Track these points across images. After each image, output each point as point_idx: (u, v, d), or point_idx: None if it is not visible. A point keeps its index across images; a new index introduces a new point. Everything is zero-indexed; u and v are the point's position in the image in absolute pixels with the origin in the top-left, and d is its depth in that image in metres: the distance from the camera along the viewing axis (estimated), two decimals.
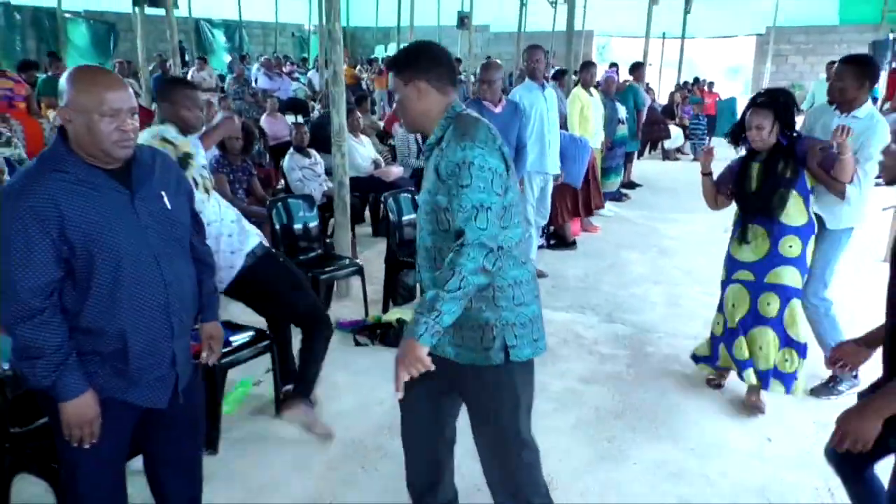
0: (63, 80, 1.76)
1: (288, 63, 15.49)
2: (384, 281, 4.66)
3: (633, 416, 3.38)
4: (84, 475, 1.92)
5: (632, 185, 8.92)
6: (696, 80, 15.56)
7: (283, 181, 6.20)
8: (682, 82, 14.81)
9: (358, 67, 16.80)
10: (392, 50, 24.58)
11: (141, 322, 1.84)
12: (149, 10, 9.21)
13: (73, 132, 1.75)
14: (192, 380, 2.08)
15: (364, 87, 13.78)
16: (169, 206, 1.92)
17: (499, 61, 4.89)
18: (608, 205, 7.58)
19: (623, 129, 7.91)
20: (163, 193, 1.91)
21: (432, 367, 1.84)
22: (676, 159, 11.59)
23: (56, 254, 1.71)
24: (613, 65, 14.18)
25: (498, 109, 4.45)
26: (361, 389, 3.54)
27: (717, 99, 13.79)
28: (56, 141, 1.78)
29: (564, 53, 9.44)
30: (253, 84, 11.39)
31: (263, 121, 8.84)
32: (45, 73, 8.53)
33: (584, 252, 6.22)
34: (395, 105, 1.98)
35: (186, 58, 15.45)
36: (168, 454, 2.11)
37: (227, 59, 19.40)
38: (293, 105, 10.55)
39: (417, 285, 2.38)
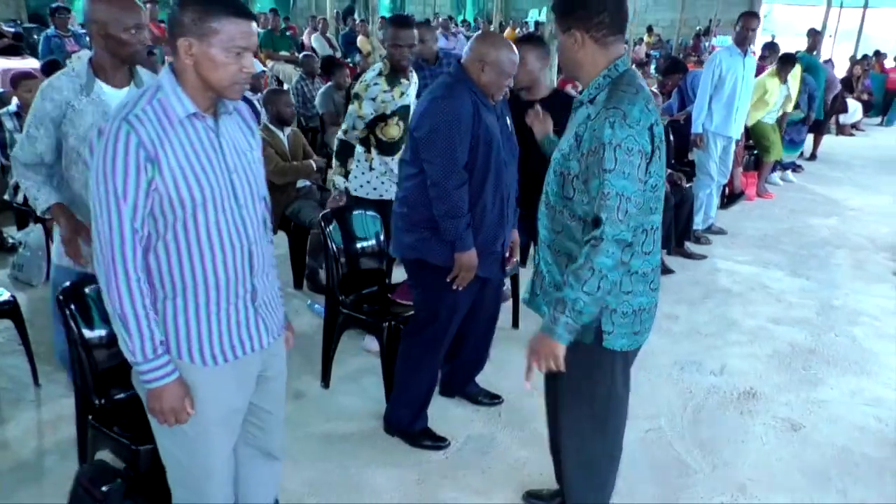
0: (479, 42, 2.49)
1: (453, 24, 16.09)
2: None
3: (826, 353, 3.70)
4: (443, 320, 2.67)
5: (813, 156, 8.83)
6: (878, 53, 14.63)
7: None
8: (861, 55, 14.00)
9: (518, 30, 17.13)
10: (545, 14, 24.68)
11: (493, 205, 2.53)
12: None
13: (477, 75, 2.47)
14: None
15: None
16: (510, 128, 2.67)
17: None
18: (780, 174, 7.63)
19: (796, 113, 7.64)
20: (507, 119, 2.65)
21: (563, 369, 1.81)
22: (851, 135, 11.16)
23: (470, 141, 2.44)
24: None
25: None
26: None
27: None
28: (462, 73, 2.49)
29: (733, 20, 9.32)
30: None
31: None
32: (263, 28, 9.58)
33: (760, 215, 6.39)
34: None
35: (356, 17, 16.49)
36: (481, 323, 2.89)
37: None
38: None
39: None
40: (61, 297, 2.09)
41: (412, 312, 2.86)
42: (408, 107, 3.50)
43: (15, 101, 4.34)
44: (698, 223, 5.44)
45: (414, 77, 3.62)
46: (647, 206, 1.79)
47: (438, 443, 2.80)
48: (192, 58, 1.51)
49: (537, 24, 18.55)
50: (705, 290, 4.52)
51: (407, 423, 2.80)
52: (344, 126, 3.55)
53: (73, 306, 2.10)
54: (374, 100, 3.42)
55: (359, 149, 3.60)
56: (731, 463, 2.77)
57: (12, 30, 8.11)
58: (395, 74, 3.41)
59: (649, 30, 18.91)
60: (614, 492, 2.21)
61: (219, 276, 1.61)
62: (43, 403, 2.94)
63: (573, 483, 2.19)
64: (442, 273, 2.54)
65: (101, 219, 1.50)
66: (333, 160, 3.64)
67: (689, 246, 5.17)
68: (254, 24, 1.56)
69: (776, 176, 7.58)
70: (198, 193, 1.54)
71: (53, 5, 7.65)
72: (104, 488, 1.99)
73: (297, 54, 9.13)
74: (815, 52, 8.14)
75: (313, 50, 9.98)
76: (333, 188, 3.64)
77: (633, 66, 1.90)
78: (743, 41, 5.14)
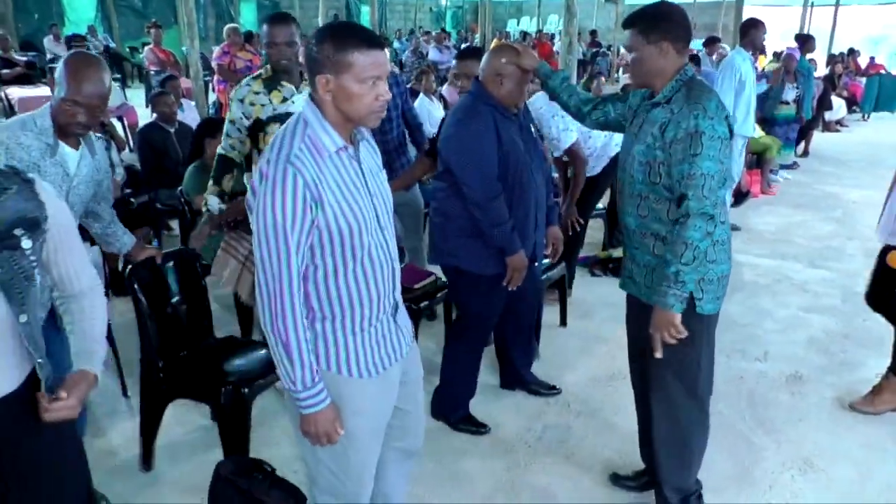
0: (493, 56, 2.64)
1: (447, 37, 16.34)
2: (606, 225, 5.36)
3: (859, 337, 3.93)
4: (481, 322, 2.92)
5: (805, 153, 9.15)
6: (851, 51, 15.14)
7: None
8: (836, 53, 14.49)
9: (503, 41, 17.44)
10: (525, 24, 25.13)
11: (521, 211, 2.71)
12: None
13: (496, 89, 2.63)
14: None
15: None
16: (534, 134, 2.90)
17: None
18: (782, 172, 7.95)
19: (788, 109, 7.97)
20: (531, 126, 2.90)
21: (685, 333, 2.06)
22: (837, 131, 11.54)
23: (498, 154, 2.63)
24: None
25: None
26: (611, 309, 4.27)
27: (882, 71, 13.44)
28: (481, 89, 2.65)
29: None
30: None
31: (445, 90, 9.75)
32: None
33: (767, 211, 6.66)
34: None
35: None
36: (522, 320, 3.19)
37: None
38: None
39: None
40: (129, 274, 2.49)
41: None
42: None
43: None
44: None
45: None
46: (724, 183, 2.07)
47: (480, 428, 3.02)
48: (330, 93, 1.56)
49: (524, 34, 18.85)
50: (732, 283, 4.68)
51: (451, 411, 3.04)
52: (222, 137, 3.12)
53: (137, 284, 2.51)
54: (242, 101, 2.97)
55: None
56: (794, 440, 2.97)
57: (24, 59, 8.16)
58: (275, 77, 2.97)
59: None
60: None
61: (371, 295, 1.70)
62: (136, 413, 3.05)
63: (664, 459, 2.37)
64: (475, 280, 2.76)
65: (269, 257, 1.55)
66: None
67: None
68: (386, 52, 1.60)
69: (776, 174, 7.87)
70: (354, 222, 1.61)
71: (69, 34, 7.72)
72: (247, 479, 2.11)
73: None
74: (808, 56, 8.47)
75: None
76: (206, 210, 3.10)
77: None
78: (756, 45, 5.43)
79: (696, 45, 17.73)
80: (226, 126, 3.06)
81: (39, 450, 1.33)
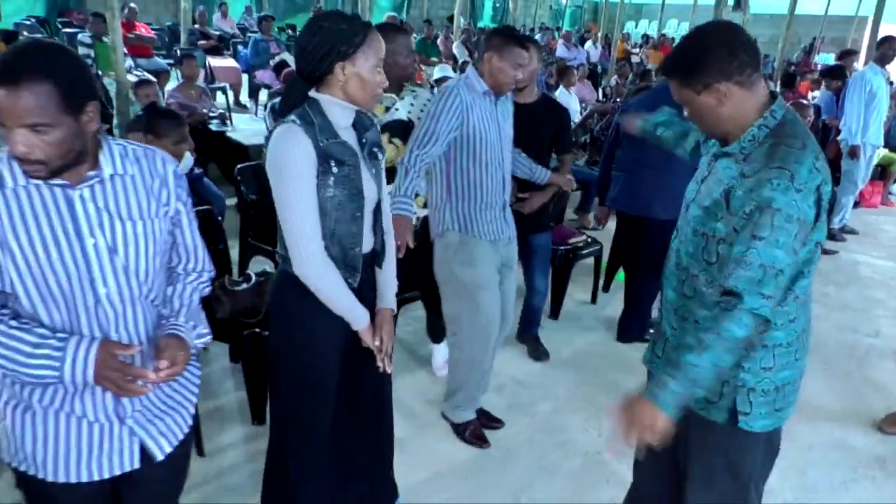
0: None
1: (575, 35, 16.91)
2: None
3: None
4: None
5: None
6: None
7: None
8: None
9: (625, 43, 17.77)
10: (643, 27, 25.22)
11: None
12: None
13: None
14: None
15: (640, 61, 14.76)
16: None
17: None
18: None
19: None
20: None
21: (661, 444, 1.49)
22: None
23: None
24: None
25: None
26: None
27: None
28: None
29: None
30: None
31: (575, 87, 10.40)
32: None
33: (887, 220, 6.95)
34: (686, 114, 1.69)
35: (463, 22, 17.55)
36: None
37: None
38: (589, 74, 11.93)
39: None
40: None
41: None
42: (402, 122, 2.93)
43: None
44: (835, 223, 6.10)
45: (417, 92, 3.05)
46: (800, 271, 1.56)
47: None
48: (490, 65, 2.57)
49: (646, 36, 19.12)
50: (848, 276, 5.21)
51: (639, 332, 3.78)
52: None
53: None
54: None
55: None
56: None
57: (218, 33, 9.40)
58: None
59: None
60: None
61: (485, 190, 2.64)
62: None
63: None
64: (648, 225, 3.46)
65: (429, 130, 2.50)
66: None
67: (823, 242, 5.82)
68: (529, 52, 2.66)
69: None
70: (479, 138, 2.58)
71: (261, 14, 8.80)
72: None
73: (444, 61, 10.16)
74: None
75: (454, 57, 11.00)
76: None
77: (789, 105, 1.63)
78: (885, 59, 5.80)
79: (826, 58, 17.54)
80: None
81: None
